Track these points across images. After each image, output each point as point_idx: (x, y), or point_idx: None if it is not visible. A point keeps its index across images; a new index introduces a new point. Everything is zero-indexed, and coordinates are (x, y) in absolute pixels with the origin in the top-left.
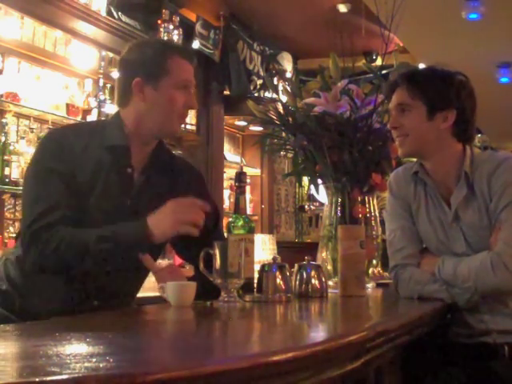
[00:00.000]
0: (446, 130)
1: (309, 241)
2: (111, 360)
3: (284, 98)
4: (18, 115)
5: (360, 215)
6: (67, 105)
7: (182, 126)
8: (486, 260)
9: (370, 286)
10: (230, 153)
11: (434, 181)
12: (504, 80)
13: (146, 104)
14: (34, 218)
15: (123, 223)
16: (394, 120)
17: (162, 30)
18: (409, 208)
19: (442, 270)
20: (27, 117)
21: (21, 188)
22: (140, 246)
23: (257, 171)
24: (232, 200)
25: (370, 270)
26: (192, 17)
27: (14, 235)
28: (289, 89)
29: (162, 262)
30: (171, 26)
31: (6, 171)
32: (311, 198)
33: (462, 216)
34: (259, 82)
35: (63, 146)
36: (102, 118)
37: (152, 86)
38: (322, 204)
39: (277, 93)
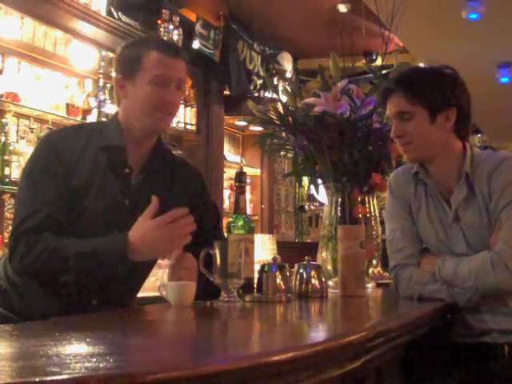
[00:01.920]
0: (448, 130)
1: (309, 241)
2: (111, 360)
3: (284, 98)
4: (18, 115)
5: (360, 215)
6: (67, 105)
7: (182, 126)
8: (486, 259)
9: (369, 285)
10: (230, 153)
11: (435, 181)
12: (504, 80)
13: (128, 101)
14: (18, 223)
15: (104, 237)
16: (396, 129)
17: (161, 29)
18: (409, 208)
19: (443, 270)
20: (27, 117)
21: None
22: (121, 264)
23: (257, 171)
24: (232, 200)
25: (370, 270)
26: (192, 17)
27: None
28: (289, 89)
29: (162, 262)
30: (171, 26)
31: (6, 171)
32: (311, 198)
33: (462, 216)
34: (259, 81)
35: (60, 148)
36: (103, 119)
37: (130, 82)
38: (322, 204)
39: (277, 93)
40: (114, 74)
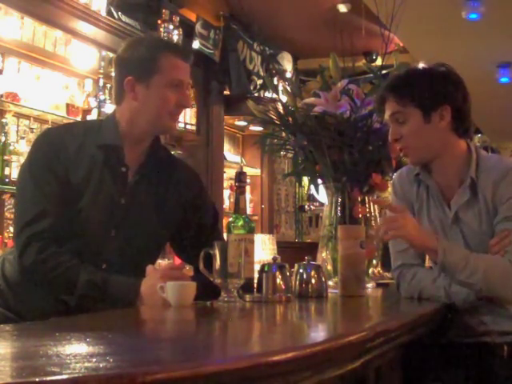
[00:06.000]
0: (445, 128)
1: (309, 241)
2: (111, 360)
3: (284, 98)
4: (18, 115)
5: (360, 215)
6: (67, 105)
7: (182, 126)
8: (507, 266)
9: (370, 286)
10: (230, 153)
11: (437, 182)
12: (504, 80)
13: (137, 103)
14: (26, 222)
15: (118, 276)
16: (393, 132)
17: (162, 29)
18: (412, 208)
19: (450, 256)
20: (27, 117)
21: None
22: (125, 303)
23: (257, 171)
24: (232, 200)
25: (370, 270)
26: (192, 17)
27: None
28: (289, 89)
29: (162, 262)
30: (171, 26)
31: (6, 171)
32: (311, 198)
33: (463, 218)
34: (259, 81)
35: (58, 146)
36: (101, 118)
37: (144, 84)
38: (322, 204)
39: (277, 93)
40: (113, 74)
